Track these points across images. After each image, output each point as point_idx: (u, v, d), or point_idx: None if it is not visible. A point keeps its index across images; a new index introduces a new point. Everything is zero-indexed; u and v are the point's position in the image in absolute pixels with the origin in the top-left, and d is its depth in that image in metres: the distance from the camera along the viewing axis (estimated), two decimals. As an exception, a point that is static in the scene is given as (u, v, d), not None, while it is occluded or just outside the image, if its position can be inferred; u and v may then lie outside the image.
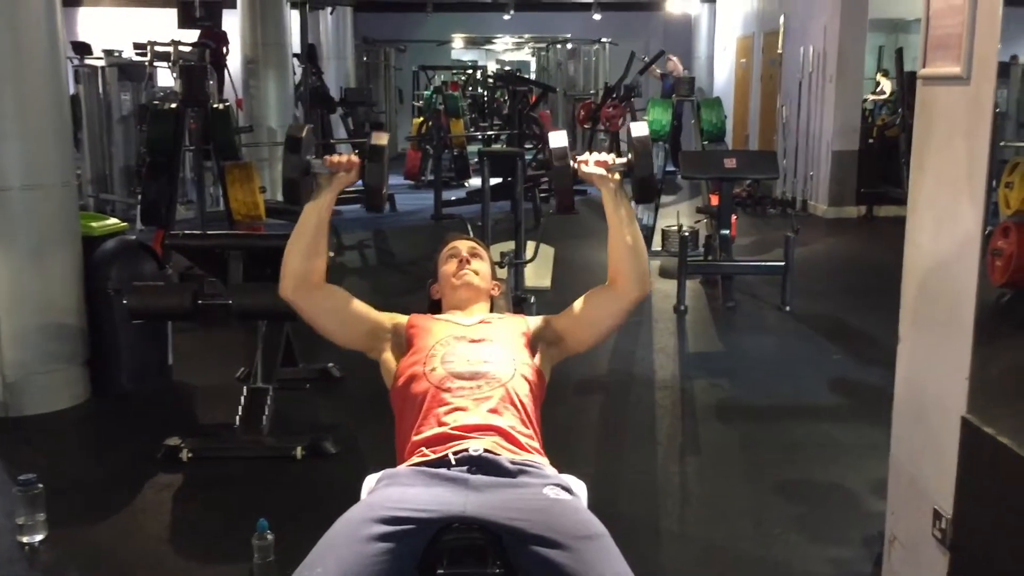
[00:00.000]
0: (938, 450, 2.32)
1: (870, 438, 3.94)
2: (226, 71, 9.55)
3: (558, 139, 2.27)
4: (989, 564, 2.14)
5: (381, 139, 2.29)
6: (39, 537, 3.15)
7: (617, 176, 2.25)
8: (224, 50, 9.60)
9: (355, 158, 2.24)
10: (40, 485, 3.14)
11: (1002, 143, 7.31)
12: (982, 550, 2.17)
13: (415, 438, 2.09)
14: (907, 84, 9.45)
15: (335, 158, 2.23)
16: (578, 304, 2.36)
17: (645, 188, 2.24)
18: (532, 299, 4.96)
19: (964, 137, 2.22)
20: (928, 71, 2.37)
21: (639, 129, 2.24)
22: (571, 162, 2.25)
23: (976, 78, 2.16)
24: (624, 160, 2.24)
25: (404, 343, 2.31)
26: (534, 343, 2.33)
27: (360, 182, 2.28)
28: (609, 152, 2.28)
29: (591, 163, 2.24)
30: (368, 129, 13.21)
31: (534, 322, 2.39)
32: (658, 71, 13.57)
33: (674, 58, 13.71)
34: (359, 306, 2.34)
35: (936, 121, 2.36)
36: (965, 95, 2.21)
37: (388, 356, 2.32)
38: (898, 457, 2.61)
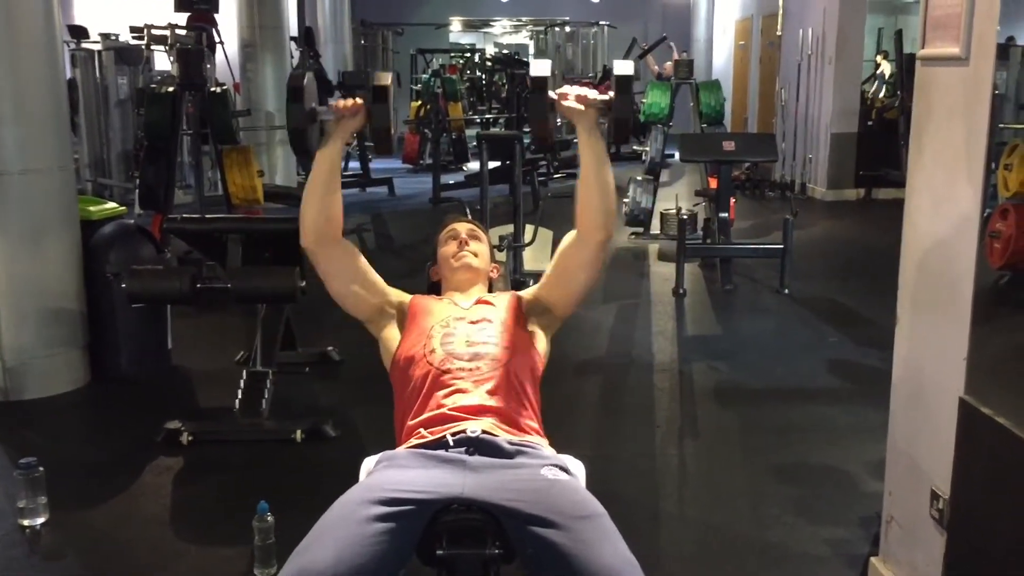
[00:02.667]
0: (936, 431, 2.32)
1: (867, 420, 3.95)
2: (220, 54, 9.51)
3: (540, 68, 2.24)
4: (986, 544, 2.15)
5: (384, 79, 2.25)
6: (40, 520, 3.16)
7: (594, 113, 2.21)
8: (215, 34, 9.56)
9: (360, 101, 2.21)
10: (41, 468, 3.15)
11: (1001, 125, 7.30)
12: (979, 530, 2.18)
13: (413, 420, 2.10)
14: (906, 66, 9.42)
15: (340, 103, 2.21)
16: (553, 264, 2.34)
17: (622, 128, 2.19)
18: (531, 282, 4.96)
19: (963, 118, 2.22)
20: (927, 52, 2.37)
21: (623, 67, 2.20)
22: (550, 93, 2.21)
23: (975, 59, 2.16)
24: (605, 98, 2.18)
25: (405, 322, 2.31)
26: (529, 317, 2.33)
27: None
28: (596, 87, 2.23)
29: (571, 97, 2.19)
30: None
31: (526, 295, 2.39)
32: (655, 68, 13.49)
33: (674, 53, 13.57)
34: (373, 275, 2.34)
35: (935, 102, 2.35)
36: (964, 76, 2.20)
37: (388, 334, 2.32)
38: (896, 438, 2.62)
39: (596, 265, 2.30)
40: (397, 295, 2.38)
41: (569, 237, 2.29)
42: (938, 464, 2.31)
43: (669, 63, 13.43)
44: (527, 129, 12.26)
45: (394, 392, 2.26)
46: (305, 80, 2.21)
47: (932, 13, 2.34)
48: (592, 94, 2.18)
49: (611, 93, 2.18)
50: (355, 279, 2.31)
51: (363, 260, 2.33)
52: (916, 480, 2.45)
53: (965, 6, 2.15)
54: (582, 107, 2.18)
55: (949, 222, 2.29)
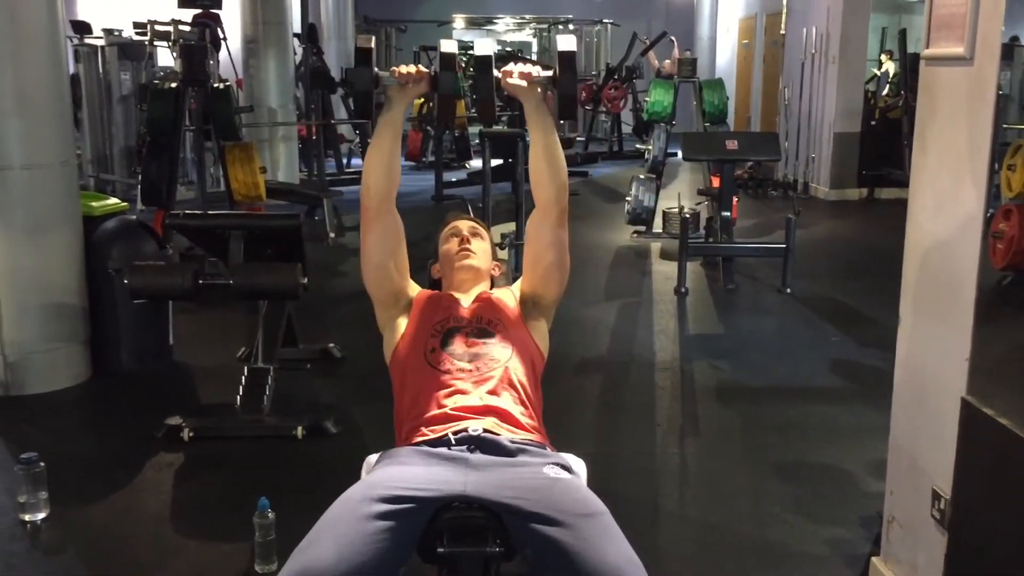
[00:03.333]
0: (937, 431, 2.32)
1: (869, 419, 3.95)
2: (223, 50, 9.52)
3: (484, 47, 2.26)
4: (988, 544, 2.15)
5: (451, 46, 2.29)
6: (41, 515, 3.16)
7: (538, 89, 2.23)
8: (219, 31, 9.56)
9: (423, 68, 2.25)
10: (42, 463, 3.16)
11: (1004, 125, 7.29)
12: (981, 530, 2.18)
13: (414, 419, 2.10)
14: (910, 65, 9.41)
15: (404, 68, 2.24)
16: (526, 250, 2.37)
17: (568, 104, 2.21)
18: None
19: (967, 118, 2.21)
20: (932, 51, 2.36)
21: (566, 43, 2.22)
22: (495, 72, 2.23)
23: (980, 58, 2.16)
24: (548, 74, 2.22)
25: (409, 316, 2.31)
26: (526, 310, 2.34)
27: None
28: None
29: (515, 75, 2.22)
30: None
31: (517, 289, 2.40)
32: (656, 63, 13.49)
33: (675, 51, 13.55)
34: (406, 258, 2.36)
35: (939, 102, 2.35)
36: (968, 75, 2.20)
37: (394, 323, 2.31)
38: (897, 438, 2.61)
39: (561, 243, 2.31)
40: (413, 287, 2.39)
41: (530, 219, 2.33)
42: (940, 464, 2.31)
43: (668, 60, 13.45)
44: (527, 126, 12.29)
45: (393, 387, 2.26)
46: (372, 43, 2.24)
47: (937, 12, 2.33)
48: (536, 71, 2.22)
49: (555, 68, 2.20)
50: (393, 254, 2.32)
51: (404, 240, 2.34)
52: (917, 480, 2.45)
53: (970, 6, 2.15)
54: (525, 83, 2.21)
55: (953, 222, 2.29)
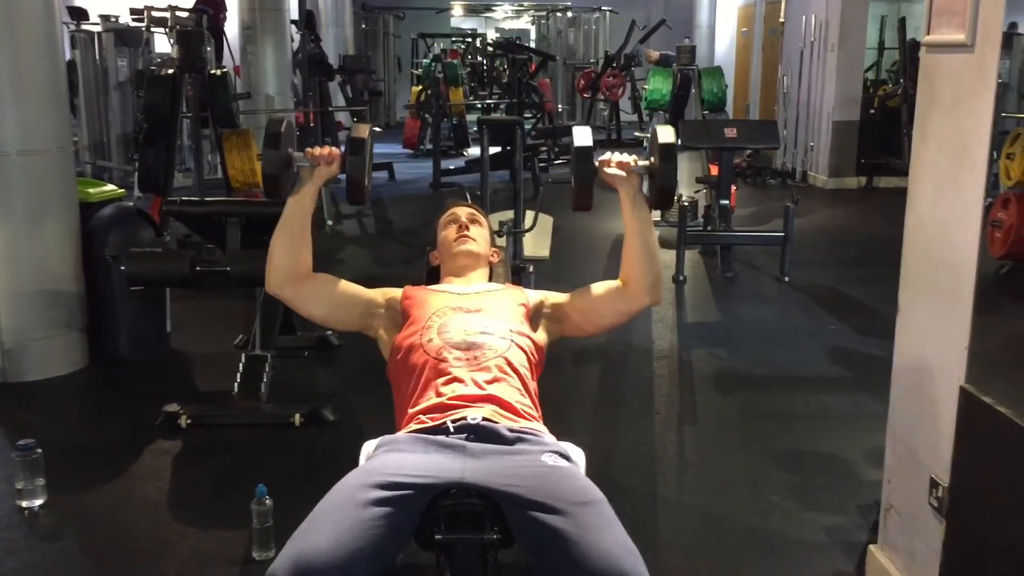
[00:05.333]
0: (936, 419, 2.32)
1: (867, 408, 3.96)
2: (224, 38, 9.47)
3: (582, 137, 2.24)
4: (985, 533, 2.15)
5: (362, 131, 2.24)
6: (38, 502, 3.16)
7: (637, 179, 2.22)
8: (221, 17, 9.51)
9: (336, 151, 2.22)
10: (39, 450, 3.16)
11: (1003, 114, 7.28)
12: (978, 519, 2.18)
13: (413, 408, 2.09)
14: (909, 54, 9.39)
15: (316, 150, 2.21)
16: (587, 293, 2.34)
17: (664, 195, 2.19)
18: (531, 268, 4.94)
19: (968, 105, 2.20)
20: (932, 38, 2.35)
21: (665, 135, 2.18)
22: (594, 162, 2.22)
23: (980, 45, 2.14)
24: (646, 163, 2.20)
25: (399, 316, 2.30)
26: (534, 317, 2.33)
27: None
28: (623, 152, 2.25)
29: (613, 163, 2.22)
30: (367, 97, 13.15)
31: (534, 296, 2.38)
32: (654, 56, 13.43)
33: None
34: (349, 288, 2.32)
35: (939, 89, 2.34)
36: (969, 63, 2.19)
37: (383, 332, 2.32)
38: (895, 426, 2.61)
39: (629, 319, 2.36)
40: (382, 293, 2.36)
41: (616, 283, 2.30)
42: (938, 452, 2.31)
43: (656, 52, 13.41)
44: (528, 115, 12.23)
45: (392, 387, 2.25)
46: (283, 126, 2.19)
47: (938, -1, 2.32)
48: (632, 159, 2.21)
49: (652, 159, 2.18)
50: (332, 303, 2.30)
51: (334, 281, 2.31)
52: (915, 468, 2.45)
53: (971, -8, 2.14)
54: (624, 174, 2.20)
55: (952, 210, 2.28)
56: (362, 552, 1.70)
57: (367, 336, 2.37)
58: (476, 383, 2.08)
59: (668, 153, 2.16)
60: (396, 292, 2.36)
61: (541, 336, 2.32)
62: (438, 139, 10.88)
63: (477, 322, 2.20)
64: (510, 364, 2.14)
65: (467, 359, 2.13)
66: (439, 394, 2.07)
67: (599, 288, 2.33)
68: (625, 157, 2.22)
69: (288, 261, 2.23)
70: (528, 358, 2.20)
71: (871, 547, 2.74)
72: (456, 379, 2.09)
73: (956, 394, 2.19)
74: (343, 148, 2.28)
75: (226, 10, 9.59)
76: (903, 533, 2.56)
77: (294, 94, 10.52)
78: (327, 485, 1.86)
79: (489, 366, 2.12)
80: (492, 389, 2.08)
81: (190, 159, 9.15)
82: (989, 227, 5.54)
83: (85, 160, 9.25)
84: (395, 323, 2.31)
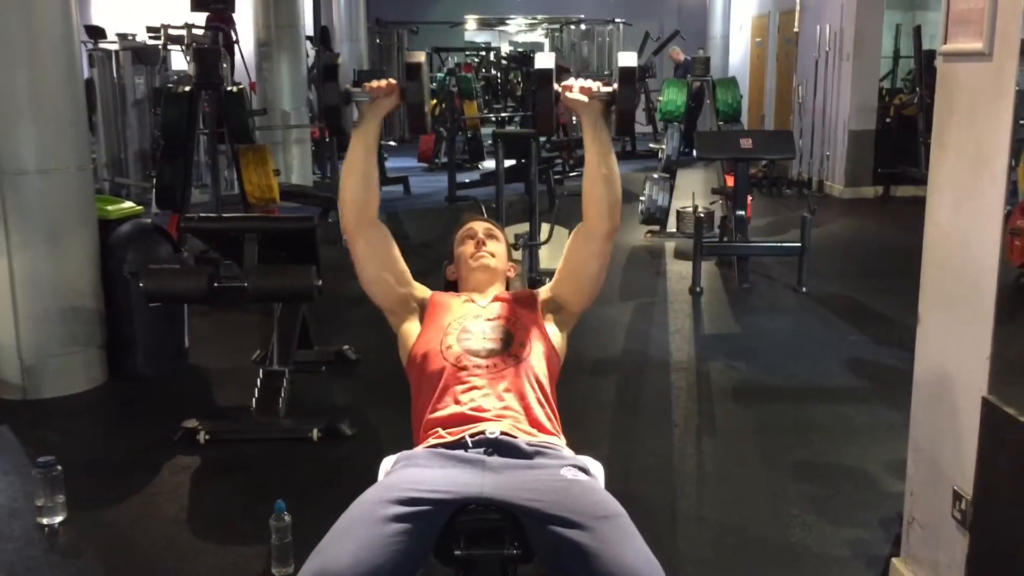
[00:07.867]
0: (958, 431, 2.30)
1: (887, 419, 3.93)
2: (237, 53, 9.55)
3: (544, 61, 2.24)
4: (1009, 546, 2.12)
5: (417, 56, 2.27)
6: (58, 519, 3.17)
7: (599, 105, 2.22)
8: (232, 34, 9.59)
9: (393, 81, 2.23)
10: (59, 467, 3.16)
11: (1022, 122, 7.24)
12: (1002, 531, 2.15)
13: (431, 416, 2.09)
14: (925, 62, 9.35)
15: (374, 83, 2.23)
16: (562, 261, 2.36)
17: (626, 120, 2.20)
18: (547, 281, 4.95)
19: (985, 114, 2.19)
20: (949, 47, 2.34)
21: (627, 59, 2.20)
22: (555, 86, 2.22)
23: (998, 54, 2.13)
24: (609, 89, 2.20)
25: (424, 318, 2.31)
26: (546, 315, 2.34)
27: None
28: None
29: (575, 89, 2.20)
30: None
31: (543, 293, 2.40)
32: (680, 57, 13.43)
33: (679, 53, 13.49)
34: (403, 265, 2.35)
35: (957, 98, 2.33)
36: (987, 71, 2.18)
37: (408, 327, 2.32)
38: (917, 438, 2.59)
39: (604, 256, 2.31)
40: (420, 289, 2.38)
41: (576, 230, 2.31)
42: (961, 464, 2.29)
43: (681, 52, 13.40)
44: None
45: (411, 387, 2.26)
46: (339, 60, 2.23)
47: (955, 8, 2.31)
48: (596, 85, 2.20)
49: (615, 84, 2.19)
50: (387, 265, 2.31)
51: (396, 247, 2.34)
52: (938, 480, 2.43)
53: (988, 1, 2.13)
54: (586, 99, 2.19)
55: (971, 219, 2.27)
56: (383, 568, 1.69)
57: (389, 322, 2.37)
58: (495, 393, 2.08)
59: (628, 77, 2.17)
60: (426, 293, 2.38)
61: (558, 335, 2.32)
62: (453, 153, 10.91)
63: (496, 330, 2.22)
64: (529, 373, 2.14)
65: (486, 366, 2.13)
66: (458, 402, 2.08)
67: (568, 249, 2.34)
68: (587, 83, 2.22)
69: (359, 196, 2.25)
70: (547, 366, 2.21)
71: (894, 560, 2.72)
72: (473, 387, 2.09)
73: (978, 405, 2.17)
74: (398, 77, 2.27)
75: (235, 26, 9.67)
76: (926, 546, 2.53)
77: (309, 109, 10.58)
78: (346, 500, 1.86)
79: (507, 375, 2.12)
80: (510, 399, 2.08)
81: (207, 175, 9.20)
82: (1008, 236, 5.49)
83: (103, 177, 9.32)
84: (419, 322, 2.32)
